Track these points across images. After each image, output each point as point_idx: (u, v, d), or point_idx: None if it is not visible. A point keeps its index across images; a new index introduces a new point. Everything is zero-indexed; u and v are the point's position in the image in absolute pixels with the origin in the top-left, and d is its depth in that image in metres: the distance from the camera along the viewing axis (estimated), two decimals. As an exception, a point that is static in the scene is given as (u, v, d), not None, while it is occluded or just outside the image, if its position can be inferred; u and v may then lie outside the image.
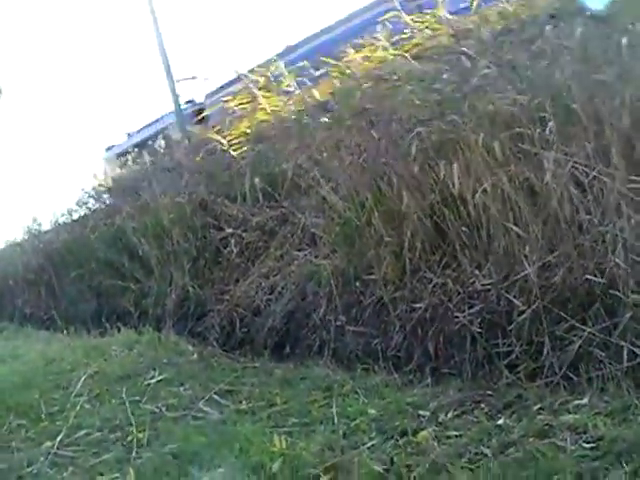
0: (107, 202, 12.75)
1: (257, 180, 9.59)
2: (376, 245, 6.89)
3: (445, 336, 5.94)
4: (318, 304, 7.49)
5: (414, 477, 3.80)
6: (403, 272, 6.59)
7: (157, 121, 18.43)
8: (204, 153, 11.29)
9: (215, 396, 6.14)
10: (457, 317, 5.87)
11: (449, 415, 4.63)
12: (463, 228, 6.14)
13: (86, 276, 12.10)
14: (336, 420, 4.95)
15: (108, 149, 21.35)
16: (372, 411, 4.96)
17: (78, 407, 6.63)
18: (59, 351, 9.28)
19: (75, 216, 13.48)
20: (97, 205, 13.07)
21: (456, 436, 4.26)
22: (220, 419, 5.62)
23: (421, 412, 4.78)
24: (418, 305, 6.24)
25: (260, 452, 4.64)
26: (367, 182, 7.05)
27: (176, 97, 14.50)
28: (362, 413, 4.95)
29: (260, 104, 10.75)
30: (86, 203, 13.22)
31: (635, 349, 4.66)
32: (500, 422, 4.27)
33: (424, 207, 6.53)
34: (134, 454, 5.35)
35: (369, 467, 4.03)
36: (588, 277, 5.18)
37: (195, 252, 10.18)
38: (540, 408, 4.37)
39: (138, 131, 19.90)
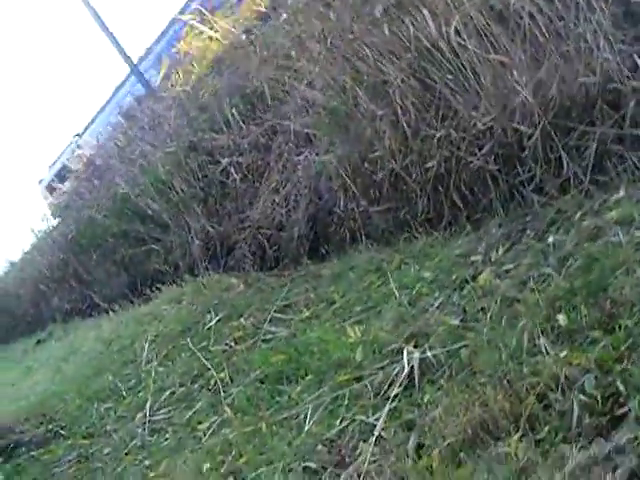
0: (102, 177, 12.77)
1: (237, 99, 9.62)
2: (370, 121, 6.91)
3: (466, 184, 6.02)
4: (336, 198, 7.57)
5: (490, 317, 3.92)
6: (405, 138, 6.63)
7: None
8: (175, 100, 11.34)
9: (276, 315, 6.28)
10: (471, 162, 5.94)
11: (500, 252, 4.72)
12: (448, 76, 6.14)
13: (108, 254, 12.18)
14: (397, 294, 5.06)
15: (40, 182, 22.30)
16: (427, 274, 5.07)
17: (153, 373, 6.80)
18: (113, 330, 9.43)
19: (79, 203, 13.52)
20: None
21: (514, 267, 4.37)
22: (289, 333, 5.75)
23: (473, 258, 4.88)
24: (430, 164, 6.29)
25: (339, 348, 4.78)
26: (340, 65, 7.04)
27: (131, 62, 14.50)
28: (419, 279, 5.07)
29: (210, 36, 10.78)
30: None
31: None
32: (550, 240, 4.36)
33: (404, 68, 6.52)
34: (222, 394, 5.51)
35: (446, 323, 4.16)
36: (582, 80, 5.23)
37: (202, 193, 10.25)
38: (582, 215, 4.46)
39: (54, 162, 20.95)
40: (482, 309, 4.07)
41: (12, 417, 7.85)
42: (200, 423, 5.34)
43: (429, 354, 3.94)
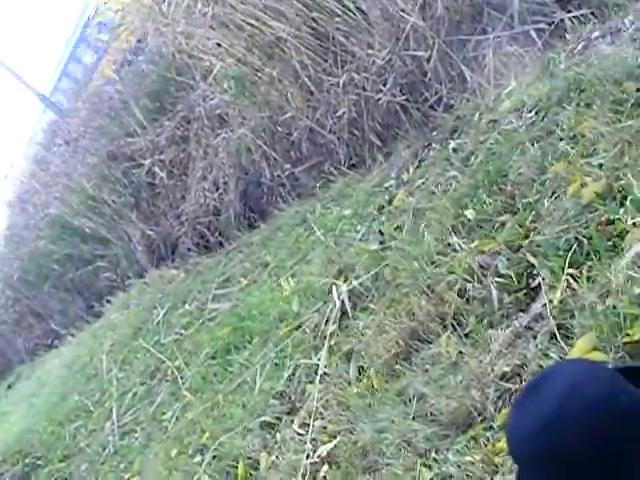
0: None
1: (144, 99, 9.54)
2: (272, 84, 6.86)
3: (380, 121, 5.98)
4: (261, 168, 7.52)
5: (406, 232, 3.89)
6: (310, 92, 6.58)
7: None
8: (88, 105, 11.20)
9: (217, 291, 6.21)
10: (379, 99, 5.89)
11: (410, 171, 4.70)
12: (337, 19, 6.10)
13: (58, 281, 11.99)
14: (322, 238, 5.02)
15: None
16: (347, 212, 5.03)
17: (114, 381, 6.71)
18: (73, 354, 9.31)
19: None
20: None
21: (424, 181, 4.34)
22: (232, 305, 5.69)
23: (387, 184, 4.86)
24: (341, 112, 6.25)
25: (277, 304, 4.75)
26: (233, 32, 6.95)
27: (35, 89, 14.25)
28: (340, 219, 5.03)
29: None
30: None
31: None
32: (452, 146, 4.34)
33: (293, 20, 6.45)
34: (180, 381, 5.45)
35: (367, 250, 4.12)
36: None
37: (133, 199, 10.10)
38: (480, 115, 4.44)
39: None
40: (398, 227, 4.05)
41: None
42: (164, 414, 5.29)
43: (355, 284, 3.90)
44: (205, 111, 8.49)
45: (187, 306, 6.49)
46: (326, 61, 6.44)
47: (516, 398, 2.04)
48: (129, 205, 10.13)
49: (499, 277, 2.94)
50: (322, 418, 3.38)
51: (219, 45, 7.30)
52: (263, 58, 6.86)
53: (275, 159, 7.32)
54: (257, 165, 7.69)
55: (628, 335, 2.30)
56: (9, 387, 12.27)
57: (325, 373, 3.64)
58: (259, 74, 6.99)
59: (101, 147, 10.36)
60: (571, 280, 2.60)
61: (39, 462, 6.88)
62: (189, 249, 9.05)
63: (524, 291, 2.83)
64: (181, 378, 5.45)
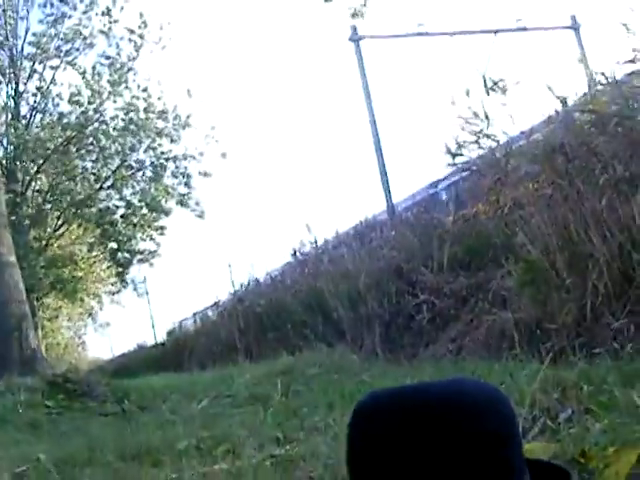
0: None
1: (458, 250, 9.78)
2: (558, 290, 6.79)
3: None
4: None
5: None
6: (584, 319, 6.45)
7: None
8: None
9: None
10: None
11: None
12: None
13: (281, 338, 12.28)
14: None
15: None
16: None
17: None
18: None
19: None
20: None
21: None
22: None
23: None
24: (597, 350, 6.08)
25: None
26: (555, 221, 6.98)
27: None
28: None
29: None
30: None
31: None
32: None
33: (612, 249, 6.41)
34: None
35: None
36: None
37: (388, 317, 10.25)
38: None
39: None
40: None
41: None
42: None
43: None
44: (495, 287, 8.53)
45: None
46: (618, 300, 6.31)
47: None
48: (382, 320, 10.42)
49: None
50: None
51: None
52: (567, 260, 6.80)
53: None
54: (501, 352, 7.63)
55: None
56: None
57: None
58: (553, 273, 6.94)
59: (395, 258, 10.63)
60: None
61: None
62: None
63: None
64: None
